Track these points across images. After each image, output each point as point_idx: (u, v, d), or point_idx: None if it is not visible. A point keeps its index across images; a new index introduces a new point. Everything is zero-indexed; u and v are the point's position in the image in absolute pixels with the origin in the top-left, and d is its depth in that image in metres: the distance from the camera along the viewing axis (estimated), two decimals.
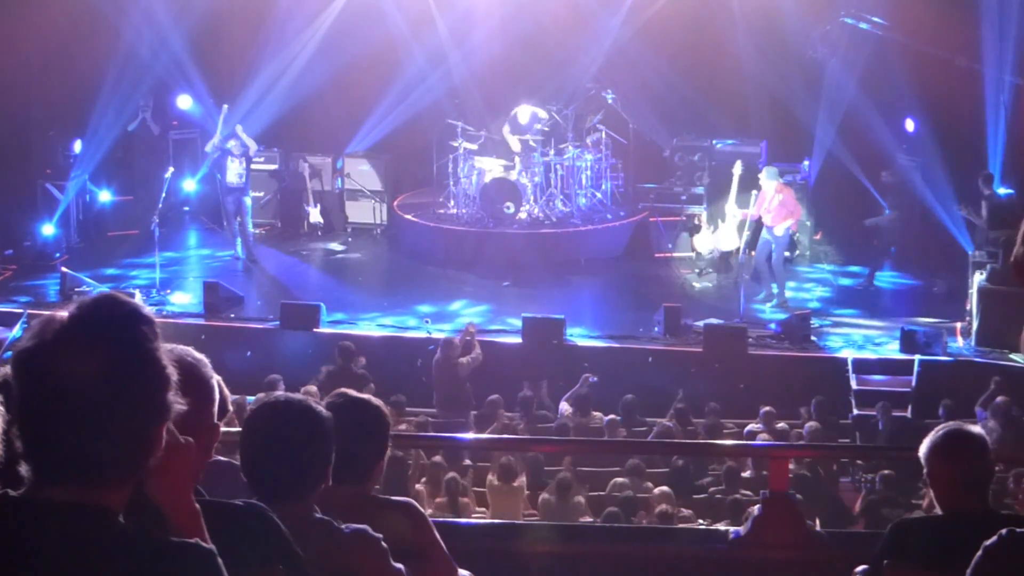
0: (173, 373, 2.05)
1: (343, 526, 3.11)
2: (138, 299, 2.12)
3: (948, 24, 16.24)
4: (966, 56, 16.06)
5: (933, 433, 4.05)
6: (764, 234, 15.25)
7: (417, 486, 9.86)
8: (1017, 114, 16.00)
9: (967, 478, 3.96)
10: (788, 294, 15.56)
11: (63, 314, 2.01)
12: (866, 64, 17.23)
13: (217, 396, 2.67)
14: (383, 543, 3.12)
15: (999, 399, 11.44)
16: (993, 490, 8.72)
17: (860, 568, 4.11)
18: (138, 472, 2.05)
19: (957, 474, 3.96)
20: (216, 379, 2.68)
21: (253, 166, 17.16)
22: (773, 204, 15.04)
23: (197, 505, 2.27)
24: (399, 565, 3.19)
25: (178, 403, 2.06)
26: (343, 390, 3.59)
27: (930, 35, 16.12)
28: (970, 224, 15.76)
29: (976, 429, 4.12)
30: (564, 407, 12.11)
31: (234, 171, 16.65)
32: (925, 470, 4.03)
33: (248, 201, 16.86)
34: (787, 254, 15.62)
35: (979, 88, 16.25)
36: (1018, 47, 15.99)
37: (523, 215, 17.27)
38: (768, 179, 15.24)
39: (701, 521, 9.39)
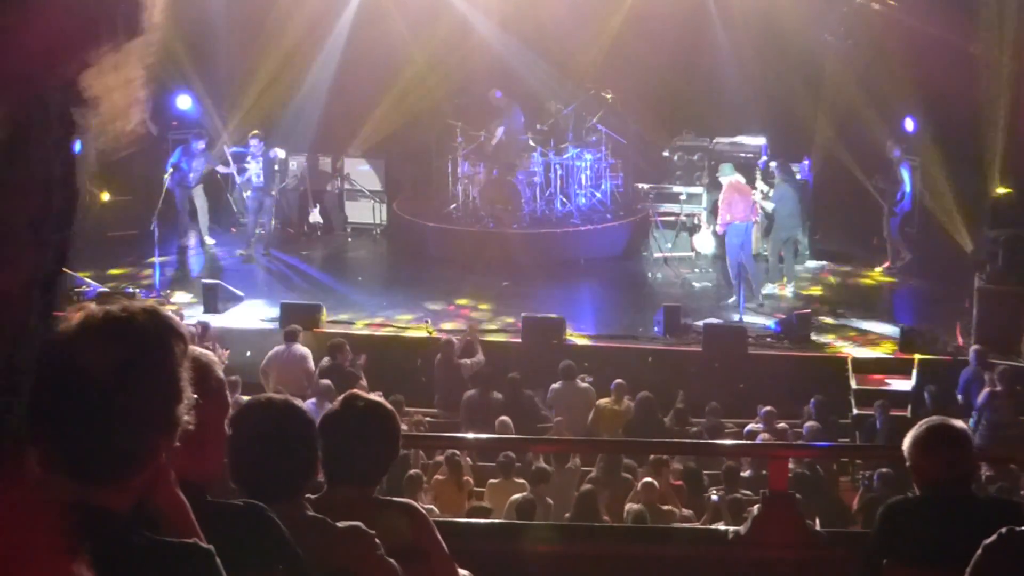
0: (189, 391, 2.05)
1: (336, 523, 3.11)
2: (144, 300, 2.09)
3: (949, 8, 16.23)
4: (975, 44, 16.04)
5: (916, 427, 4.12)
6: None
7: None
8: (1017, 112, 15.99)
9: (950, 470, 4.01)
10: (788, 291, 15.65)
11: (100, 309, 2.02)
12: (870, 53, 17.20)
13: (229, 400, 2.68)
14: (376, 539, 3.12)
15: (1002, 365, 11.60)
16: (1004, 487, 8.75)
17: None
18: (136, 478, 2.04)
19: (940, 467, 4.01)
20: (228, 380, 2.69)
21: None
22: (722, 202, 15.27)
23: (183, 498, 2.27)
24: (392, 561, 3.19)
25: (188, 422, 2.06)
26: (355, 392, 3.58)
27: (936, 20, 16.08)
28: (882, 192, 16.30)
29: (958, 423, 4.18)
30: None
31: (253, 171, 16.91)
32: (908, 463, 4.07)
33: (268, 201, 17.16)
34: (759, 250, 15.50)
35: (979, 82, 16.24)
36: (1018, 32, 15.96)
37: (523, 215, 17.28)
38: (720, 177, 15.43)
39: (717, 494, 9.38)
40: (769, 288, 15.74)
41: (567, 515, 8.94)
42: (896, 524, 4.15)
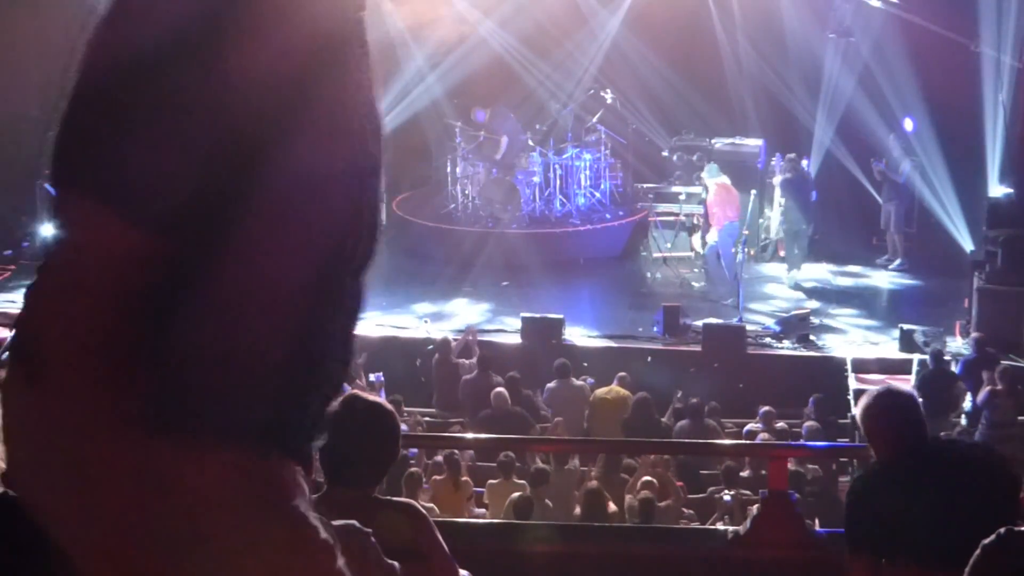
0: None
1: (331, 522, 3.09)
2: None
3: (950, 7, 16.25)
4: (975, 42, 16.03)
5: (866, 395, 4.31)
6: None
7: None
8: (1016, 111, 15.99)
9: (902, 433, 4.18)
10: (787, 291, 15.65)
11: None
12: (870, 52, 17.20)
13: None
14: (372, 538, 3.12)
15: (1003, 364, 11.65)
16: None
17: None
18: None
19: (892, 433, 4.19)
20: None
21: None
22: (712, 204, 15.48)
23: None
24: (392, 562, 3.18)
25: None
26: (355, 392, 3.58)
27: (937, 18, 16.09)
28: (881, 181, 16.38)
29: (905, 388, 4.32)
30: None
31: None
32: (861, 429, 4.23)
33: None
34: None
35: (979, 79, 16.24)
36: (1018, 27, 15.95)
37: (522, 215, 17.28)
38: (707, 177, 15.58)
39: (730, 494, 9.39)
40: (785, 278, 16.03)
41: (577, 512, 8.95)
42: (863, 496, 4.30)
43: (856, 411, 4.35)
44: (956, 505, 4.06)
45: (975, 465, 4.20)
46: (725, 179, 15.72)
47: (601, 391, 12.06)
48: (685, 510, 9.57)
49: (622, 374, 12.27)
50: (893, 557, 4.17)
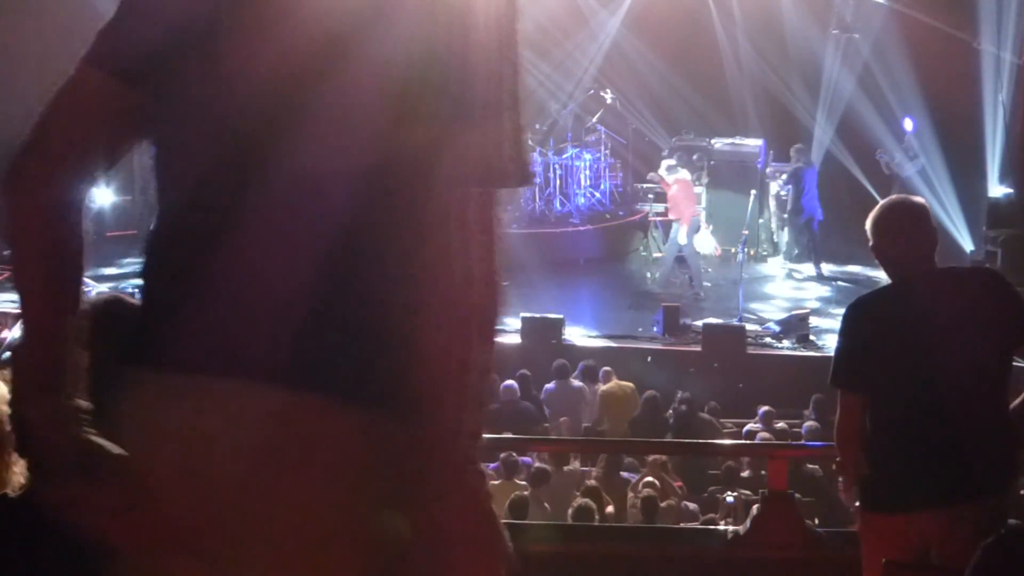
0: None
1: None
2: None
3: (951, 5, 16.26)
4: (976, 41, 16.04)
5: (877, 207, 4.09)
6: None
7: None
8: (1016, 110, 16.00)
9: (911, 249, 3.99)
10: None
11: None
12: (871, 50, 17.22)
13: None
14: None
15: None
16: None
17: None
18: None
19: (900, 245, 3.99)
20: None
21: None
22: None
23: None
24: None
25: None
26: None
27: (938, 16, 16.10)
28: (901, 184, 16.40)
29: (917, 199, 4.15)
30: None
31: None
32: (871, 242, 4.04)
33: None
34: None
35: (979, 77, 16.25)
36: (1018, 24, 15.96)
37: (522, 215, 17.28)
38: (665, 175, 15.70)
39: (732, 495, 9.38)
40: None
41: (575, 504, 8.95)
42: (863, 311, 4.10)
43: (867, 223, 4.05)
44: (959, 328, 3.89)
45: (981, 285, 4.03)
46: (686, 174, 15.82)
47: (608, 386, 12.04)
48: (689, 504, 9.56)
49: (606, 368, 12.24)
50: (884, 388, 3.95)
